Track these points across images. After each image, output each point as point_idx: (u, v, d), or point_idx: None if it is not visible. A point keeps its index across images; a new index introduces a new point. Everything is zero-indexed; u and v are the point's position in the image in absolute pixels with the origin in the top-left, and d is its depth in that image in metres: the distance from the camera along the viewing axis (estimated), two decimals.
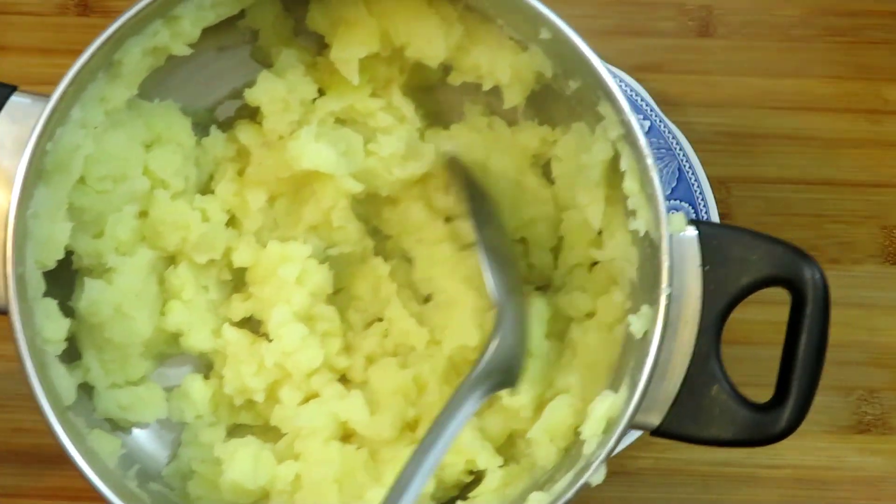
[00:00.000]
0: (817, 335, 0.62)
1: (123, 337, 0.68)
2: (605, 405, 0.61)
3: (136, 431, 0.71)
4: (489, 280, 0.67)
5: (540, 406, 0.67)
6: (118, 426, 0.70)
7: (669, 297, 0.60)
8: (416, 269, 0.73)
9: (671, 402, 0.61)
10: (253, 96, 0.70)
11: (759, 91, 0.89)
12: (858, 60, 0.90)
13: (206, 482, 0.68)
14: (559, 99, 0.68)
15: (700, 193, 0.82)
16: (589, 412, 0.62)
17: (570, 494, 0.60)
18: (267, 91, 0.70)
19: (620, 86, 0.84)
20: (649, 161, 0.60)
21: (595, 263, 0.70)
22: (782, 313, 0.81)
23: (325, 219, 0.71)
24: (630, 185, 0.63)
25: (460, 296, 0.71)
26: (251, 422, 0.72)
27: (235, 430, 0.72)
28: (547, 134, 0.71)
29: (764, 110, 0.88)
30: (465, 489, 0.68)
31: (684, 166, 0.83)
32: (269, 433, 0.71)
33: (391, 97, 0.72)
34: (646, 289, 0.61)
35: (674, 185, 0.82)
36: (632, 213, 0.63)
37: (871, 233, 0.84)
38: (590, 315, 0.69)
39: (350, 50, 0.69)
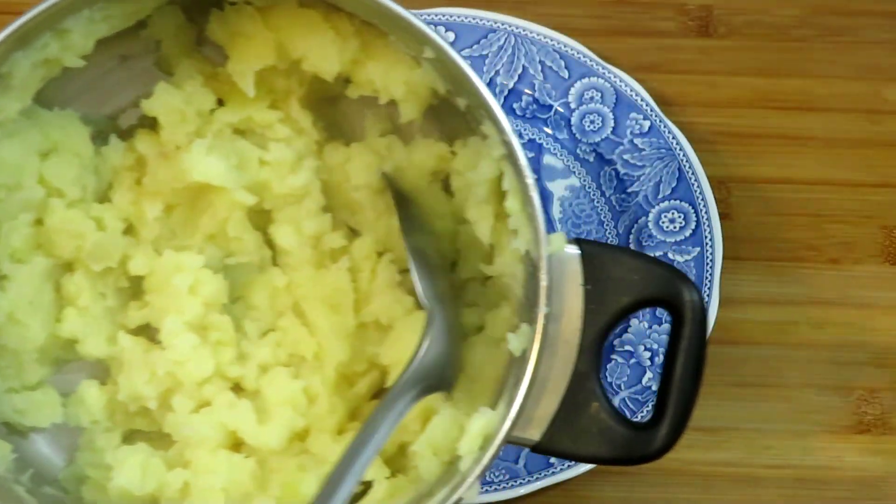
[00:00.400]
0: (694, 356, 0.61)
1: (17, 343, 0.68)
2: (482, 422, 0.61)
3: (34, 436, 0.71)
4: (417, 285, 0.66)
5: (427, 419, 0.67)
6: (15, 430, 0.70)
7: (547, 316, 0.59)
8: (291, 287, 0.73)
9: (550, 419, 0.61)
10: (150, 107, 0.71)
11: (759, 91, 0.89)
12: (858, 60, 0.90)
13: (99, 487, 0.69)
14: (458, 113, 0.68)
15: (700, 193, 0.82)
16: (466, 429, 0.62)
17: None
18: (164, 102, 0.70)
19: (620, 86, 0.85)
20: (529, 181, 0.60)
21: (488, 279, 0.70)
22: (782, 313, 0.82)
23: (221, 229, 0.72)
24: (511, 204, 0.63)
25: (319, 317, 0.71)
26: (146, 428, 0.72)
27: (131, 436, 0.72)
28: (443, 151, 0.72)
29: (764, 110, 0.88)
30: (354, 500, 0.68)
31: (684, 166, 0.83)
32: (163, 440, 0.71)
33: (289, 109, 0.73)
34: (529, 307, 0.61)
35: (674, 185, 0.82)
36: (513, 233, 0.63)
37: (871, 233, 0.84)
38: (479, 329, 0.69)
39: (246, 62, 0.69)
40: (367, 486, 0.68)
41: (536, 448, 0.61)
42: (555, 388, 0.61)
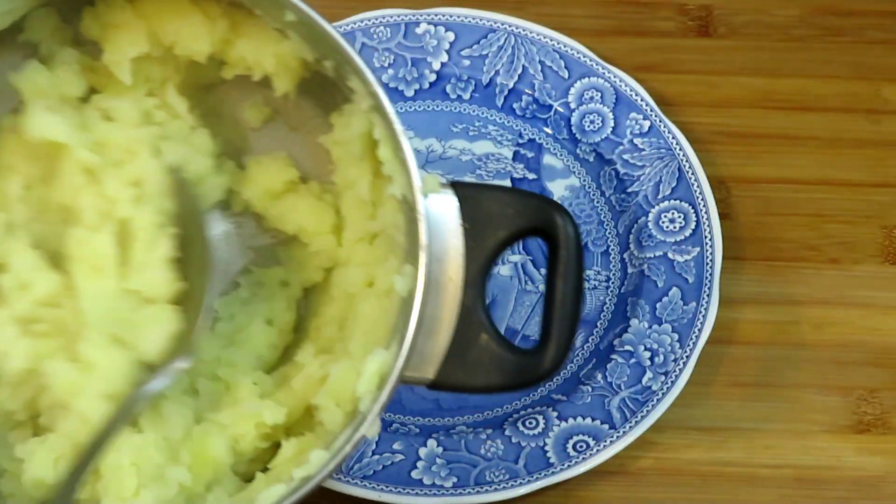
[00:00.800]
0: (573, 278, 0.65)
1: None
2: (376, 362, 0.63)
3: None
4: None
5: (323, 381, 0.68)
6: None
7: (429, 252, 0.62)
8: None
9: (443, 356, 0.63)
10: (15, 80, 0.70)
11: (759, 91, 0.89)
12: (858, 60, 0.90)
13: (15, 479, 0.68)
14: (330, 84, 0.69)
15: (700, 193, 0.82)
16: (362, 370, 0.64)
17: (347, 448, 0.61)
18: (30, 78, 0.70)
19: (620, 86, 0.85)
20: (398, 127, 0.63)
21: (375, 236, 0.71)
22: (782, 313, 0.82)
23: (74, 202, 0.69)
24: (384, 152, 0.65)
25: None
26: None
27: (41, 429, 0.70)
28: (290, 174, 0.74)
29: (764, 110, 0.88)
30: (265, 461, 0.69)
31: (684, 166, 0.83)
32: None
33: (166, 96, 0.73)
34: (413, 252, 0.63)
35: (674, 185, 0.83)
36: (389, 180, 0.66)
37: (871, 233, 0.84)
38: (370, 284, 0.70)
39: (120, 51, 0.70)
40: (276, 447, 0.68)
41: (433, 386, 0.64)
42: (445, 326, 0.64)
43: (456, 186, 0.65)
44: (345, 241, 0.73)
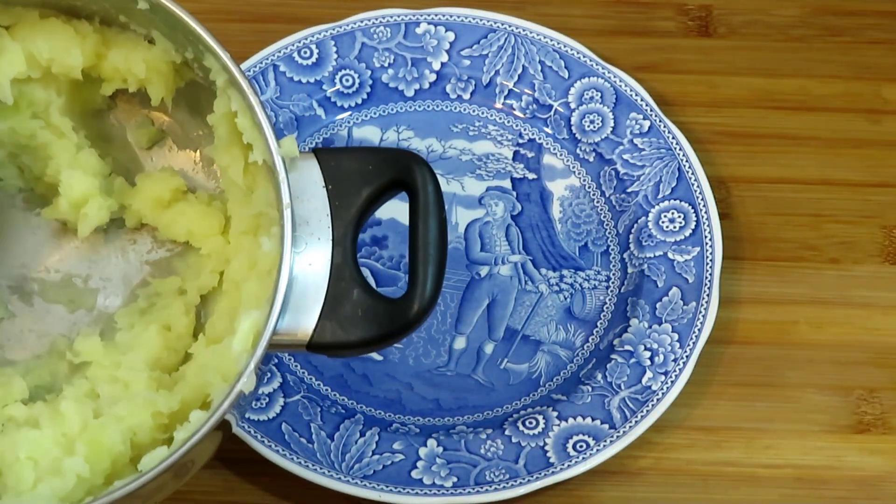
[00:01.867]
0: (435, 221, 0.66)
1: None
2: (249, 320, 0.65)
3: None
4: None
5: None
6: None
7: (292, 212, 0.64)
8: None
9: (318, 316, 0.64)
10: None
11: (759, 91, 0.89)
12: (858, 60, 0.90)
13: None
14: (205, 89, 0.71)
15: (700, 193, 0.82)
16: (236, 329, 0.65)
17: (226, 405, 0.62)
18: None
19: (620, 86, 0.85)
20: (252, 99, 0.65)
21: (257, 223, 0.73)
22: (782, 313, 0.82)
23: None
24: (241, 121, 0.67)
25: None
26: None
27: None
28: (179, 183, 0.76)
29: (764, 110, 0.88)
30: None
31: (684, 166, 0.83)
32: None
33: (49, 117, 0.74)
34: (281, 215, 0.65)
35: (674, 185, 0.83)
36: (249, 147, 0.68)
37: (871, 233, 0.84)
38: (252, 267, 0.71)
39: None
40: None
41: (311, 347, 0.65)
42: (318, 285, 0.65)
43: (317, 151, 0.67)
44: (231, 237, 0.74)
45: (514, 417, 0.77)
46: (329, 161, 0.67)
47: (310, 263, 0.65)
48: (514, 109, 0.87)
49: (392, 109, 0.87)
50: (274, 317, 0.63)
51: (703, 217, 0.81)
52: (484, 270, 0.82)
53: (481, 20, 0.87)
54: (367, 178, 0.67)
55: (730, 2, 0.92)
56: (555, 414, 0.76)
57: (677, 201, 0.82)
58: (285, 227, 0.64)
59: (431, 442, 0.76)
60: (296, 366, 0.79)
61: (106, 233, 0.77)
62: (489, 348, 0.80)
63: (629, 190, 0.83)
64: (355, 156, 0.68)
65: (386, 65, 0.87)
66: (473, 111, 0.87)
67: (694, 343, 0.77)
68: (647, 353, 0.78)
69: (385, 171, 0.67)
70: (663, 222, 0.82)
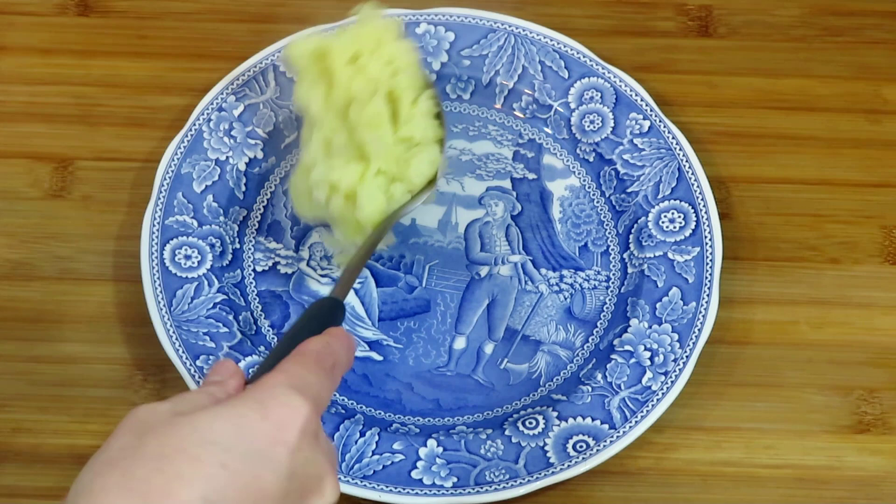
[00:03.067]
0: None
1: None
2: None
3: None
4: None
5: None
6: None
7: None
8: None
9: None
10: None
11: (759, 91, 0.89)
12: (858, 60, 0.90)
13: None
14: None
15: (700, 193, 0.82)
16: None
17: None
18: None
19: (620, 86, 0.85)
20: None
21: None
22: (782, 313, 0.82)
23: None
24: None
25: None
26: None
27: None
28: None
29: (764, 110, 0.88)
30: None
31: (684, 166, 0.83)
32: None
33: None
34: None
35: (674, 185, 0.83)
36: None
37: (871, 233, 0.84)
38: None
39: None
40: None
41: None
42: None
43: None
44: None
45: (514, 417, 0.77)
46: None
47: None
48: (514, 109, 0.87)
49: None
50: None
51: (703, 217, 0.81)
52: (484, 270, 0.83)
53: (481, 20, 0.87)
54: None
55: (730, 2, 0.92)
56: (555, 414, 0.76)
57: (677, 201, 0.82)
58: None
59: (431, 442, 0.76)
60: None
61: None
62: (489, 348, 0.80)
63: (629, 190, 0.83)
64: None
65: None
66: (473, 111, 0.87)
67: (694, 343, 0.77)
68: (647, 354, 0.78)
69: None
70: (663, 222, 0.82)
